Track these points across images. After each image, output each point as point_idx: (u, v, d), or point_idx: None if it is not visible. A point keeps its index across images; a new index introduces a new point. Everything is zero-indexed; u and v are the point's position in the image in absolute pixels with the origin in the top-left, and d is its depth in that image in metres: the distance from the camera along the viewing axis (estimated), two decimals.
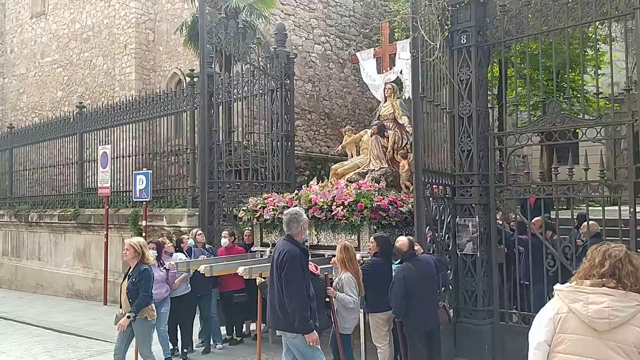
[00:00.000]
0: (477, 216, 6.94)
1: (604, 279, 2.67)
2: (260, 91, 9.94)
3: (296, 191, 8.14)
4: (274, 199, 7.94)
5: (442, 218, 7.01)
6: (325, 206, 7.13)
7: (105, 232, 12.70)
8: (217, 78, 9.91)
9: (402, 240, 5.88)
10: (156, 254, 7.33)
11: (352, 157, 8.95)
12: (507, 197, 6.92)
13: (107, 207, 12.77)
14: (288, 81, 9.93)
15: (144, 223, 11.72)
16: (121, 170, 13.70)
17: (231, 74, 10.15)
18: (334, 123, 18.72)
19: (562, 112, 6.43)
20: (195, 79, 11.25)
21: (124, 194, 13.67)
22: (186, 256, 7.95)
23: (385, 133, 8.39)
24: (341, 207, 6.97)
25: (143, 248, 6.20)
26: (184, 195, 11.84)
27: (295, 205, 7.51)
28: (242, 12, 13.15)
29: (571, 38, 7.14)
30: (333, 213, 7.03)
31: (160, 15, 17.56)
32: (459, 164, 7.17)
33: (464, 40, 7.06)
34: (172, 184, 12.98)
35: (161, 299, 7.38)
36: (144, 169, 12.17)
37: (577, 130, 6.60)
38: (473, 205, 6.99)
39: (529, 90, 7.87)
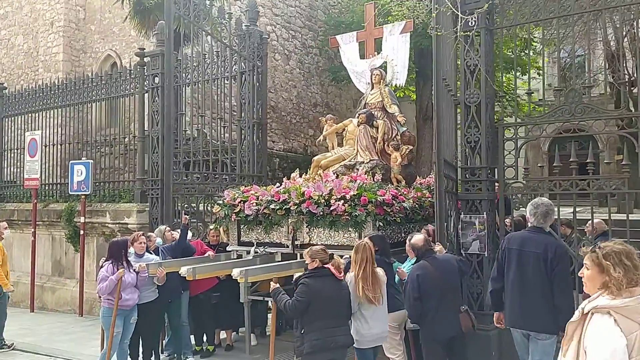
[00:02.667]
0: (484, 213, 6.43)
1: None
2: (227, 73, 8.96)
3: (278, 184, 7.30)
4: (256, 192, 7.06)
5: (450, 214, 6.45)
6: (322, 200, 6.36)
7: (32, 230, 11.17)
8: (175, 58, 8.82)
9: (417, 236, 5.32)
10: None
11: (332, 148, 8.20)
12: (517, 192, 6.47)
13: (36, 201, 11.25)
14: (260, 63, 9.02)
15: (82, 219, 10.36)
16: (47, 160, 12.14)
17: (190, 54, 9.09)
18: (279, 117, 17.96)
19: (581, 102, 6.05)
20: (146, 59, 10.07)
21: (53, 187, 12.16)
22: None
23: (374, 122, 7.74)
24: (342, 201, 6.23)
25: None
26: (130, 189, 10.59)
27: (285, 200, 6.71)
28: None
29: None
30: (332, 208, 6.27)
31: None
32: (464, 156, 6.65)
33: (472, 23, 6.54)
34: (106, 176, 11.66)
35: (132, 307, 6.31)
36: (82, 158, 10.81)
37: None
38: (480, 201, 6.48)
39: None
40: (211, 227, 7.91)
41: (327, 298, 4.70)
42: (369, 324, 5.04)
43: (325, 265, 4.85)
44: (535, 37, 10.89)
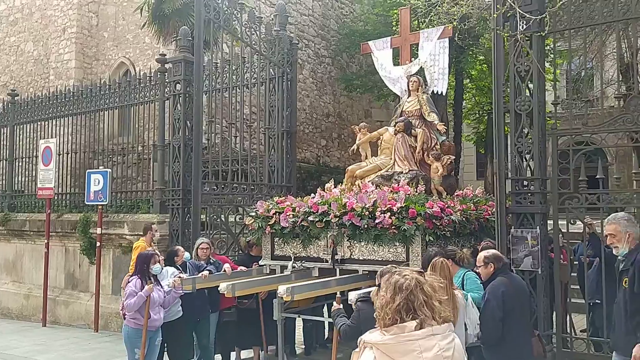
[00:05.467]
0: (537, 227, 6.06)
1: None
2: (254, 80, 8.62)
3: (313, 195, 6.93)
4: (291, 204, 6.69)
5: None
6: (366, 212, 5.99)
7: (45, 241, 10.78)
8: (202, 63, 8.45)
9: (492, 250, 4.90)
10: (159, 269, 5.85)
11: (366, 157, 7.83)
12: (574, 205, 6.10)
13: (50, 211, 10.85)
14: (290, 69, 8.67)
15: (98, 230, 9.97)
16: (59, 169, 11.73)
17: (219, 60, 8.76)
18: None
19: None
20: (167, 65, 9.72)
21: (65, 197, 11.78)
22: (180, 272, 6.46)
23: (413, 131, 7.39)
24: (388, 213, 5.85)
25: None
26: (148, 199, 10.20)
27: (324, 212, 6.33)
28: None
29: None
30: (377, 221, 5.90)
31: None
32: (514, 166, 6.30)
33: (523, 26, 6.21)
34: (118, 186, 11.29)
35: (157, 327, 5.90)
36: (100, 167, 10.44)
37: None
38: (533, 214, 6.12)
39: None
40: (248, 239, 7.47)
41: None
42: None
43: None
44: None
